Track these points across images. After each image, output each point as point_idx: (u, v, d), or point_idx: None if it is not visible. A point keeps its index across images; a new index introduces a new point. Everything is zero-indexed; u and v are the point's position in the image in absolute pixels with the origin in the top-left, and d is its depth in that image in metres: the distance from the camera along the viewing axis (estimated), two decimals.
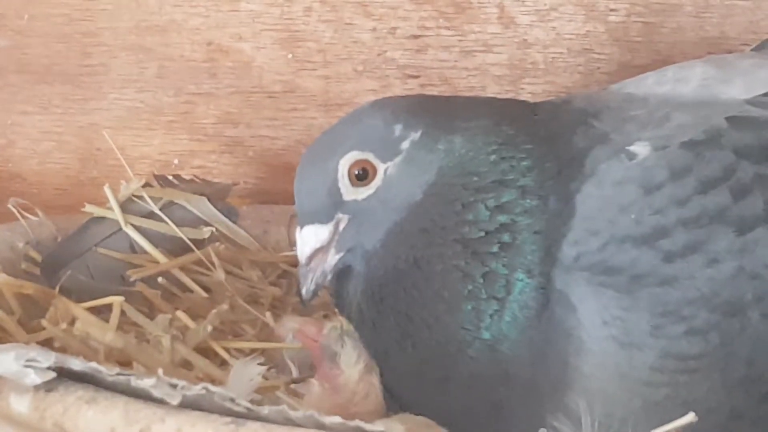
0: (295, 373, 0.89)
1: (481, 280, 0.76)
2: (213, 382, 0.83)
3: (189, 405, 0.66)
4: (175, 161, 1.19)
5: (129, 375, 0.68)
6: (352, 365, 0.81)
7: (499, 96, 1.08)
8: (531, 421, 0.74)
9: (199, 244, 1.02)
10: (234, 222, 1.06)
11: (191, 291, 0.99)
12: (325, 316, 0.98)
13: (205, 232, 1.02)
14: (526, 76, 1.12)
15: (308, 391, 0.83)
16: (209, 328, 0.90)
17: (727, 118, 0.78)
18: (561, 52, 1.11)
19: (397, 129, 0.80)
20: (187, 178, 1.08)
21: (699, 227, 0.74)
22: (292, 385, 0.87)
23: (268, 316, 0.96)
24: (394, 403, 0.81)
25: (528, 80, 1.12)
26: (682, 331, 0.73)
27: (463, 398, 0.77)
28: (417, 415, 0.77)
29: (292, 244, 1.04)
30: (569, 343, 0.74)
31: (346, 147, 0.81)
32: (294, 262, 1.02)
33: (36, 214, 1.03)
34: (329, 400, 0.80)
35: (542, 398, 0.75)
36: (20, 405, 0.69)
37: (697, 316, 0.73)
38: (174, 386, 0.66)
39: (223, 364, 0.89)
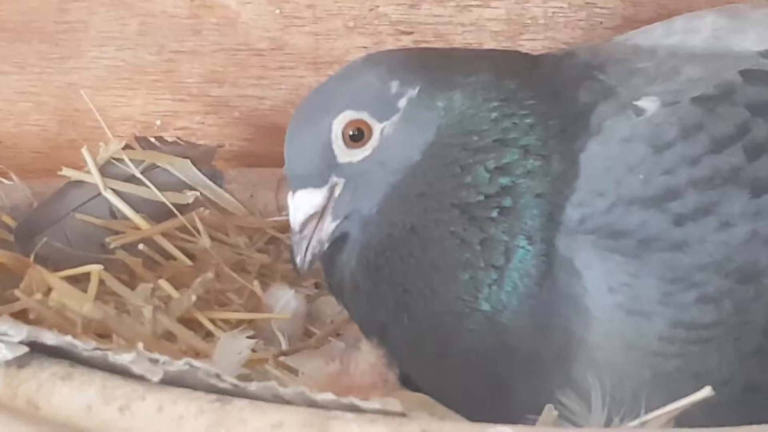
0: (284, 345, 0.91)
1: (479, 248, 0.74)
2: (197, 355, 0.83)
3: (171, 381, 0.64)
4: (158, 122, 1.19)
5: (106, 350, 0.65)
6: (373, 351, 0.78)
7: None
8: (534, 397, 0.72)
9: (183, 209, 1.01)
10: (219, 186, 1.05)
11: (174, 258, 0.98)
12: (316, 285, 0.96)
13: (189, 196, 1.01)
14: (524, 32, 1.11)
15: (305, 364, 0.82)
16: (193, 297, 0.88)
17: (740, 72, 0.76)
18: (561, 6, 1.10)
19: (394, 86, 0.78)
20: (170, 140, 1.07)
21: (711, 188, 0.72)
22: (282, 358, 0.86)
23: (256, 285, 0.96)
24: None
25: (527, 36, 1.11)
26: (693, 298, 0.71)
27: (462, 373, 0.75)
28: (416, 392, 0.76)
29: (281, 208, 1.05)
30: (574, 312, 0.72)
31: (339, 106, 0.78)
32: (282, 228, 1.02)
33: (10, 178, 1.03)
34: (330, 377, 0.78)
35: (546, 371, 0.73)
36: None
37: (709, 282, 0.71)
38: (155, 361, 0.64)
39: (208, 335, 0.89)
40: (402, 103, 0.77)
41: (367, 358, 0.79)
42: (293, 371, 0.84)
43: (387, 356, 0.79)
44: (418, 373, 0.78)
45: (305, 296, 0.94)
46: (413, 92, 0.77)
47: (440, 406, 0.77)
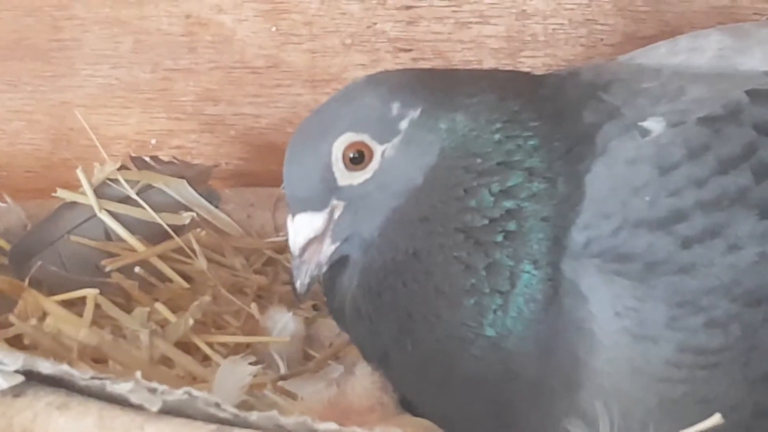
0: (283, 369, 0.90)
1: (484, 273, 0.73)
2: (195, 380, 0.82)
3: (170, 411, 0.63)
4: (153, 141, 1.18)
5: (104, 379, 0.65)
6: (368, 375, 0.78)
7: None
8: (540, 424, 0.72)
9: (179, 230, 1.00)
10: (216, 206, 1.04)
11: (171, 281, 0.97)
12: (314, 307, 0.95)
13: (185, 217, 1.00)
14: (524, 49, 1.10)
15: (304, 388, 0.81)
16: (191, 321, 0.88)
17: (746, 92, 0.75)
18: (562, 23, 1.09)
19: (395, 107, 0.77)
20: (166, 159, 1.06)
21: (719, 210, 0.71)
22: (281, 382, 0.85)
23: (254, 307, 0.94)
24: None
25: (527, 53, 1.10)
26: (700, 322, 0.70)
27: (467, 400, 0.74)
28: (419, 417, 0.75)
29: (278, 229, 1.04)
30: (579, 337, 0.71)
31: (339, 128, 0.77)
32: (280, 249, 1.01)
33: (4, 200, 1.02)
34: (330, 401, 0.77)
35: (552, 398, 0.72)
36: None
37: (717, 306, 0.70)
38: (153, 391, 0.63)
39: (205, 359, 0.88)
40: (403, 125, 0.76)
41: (363, 382, 0.78)
42: (292, 396, 0.83)
43: (386, 380, 0.78)
44: (421, 399, 0.77)
45: (304, 319, 0.93)
46: (415, 114, 0.76)
47: None
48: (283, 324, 0.91)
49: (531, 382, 0.72)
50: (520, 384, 0.73)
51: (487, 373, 0.73)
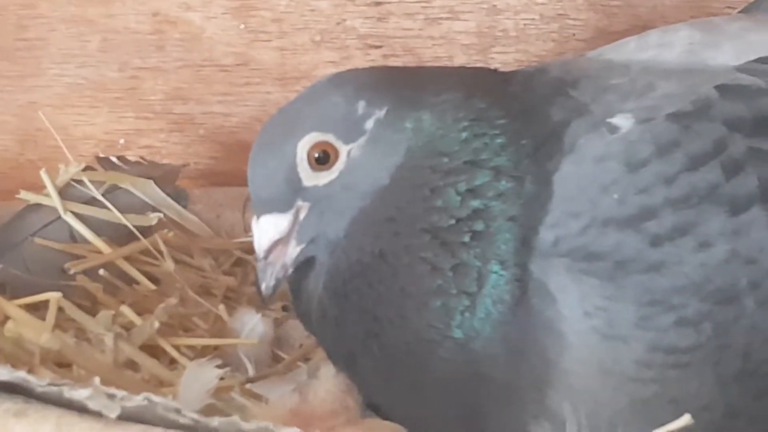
0: (251, 372, 0.88)
1: (451, 274, 0.72)
2: (161, 384, 0.81)
3: (129, 417, 0.63)
4: (121, 141, 1.17)
5: (61, 385, 0.64)
6: (331, 378, 0.77)
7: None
8: (510, 426, 0.71)
9: (146, 231, 0.99)
10: (184, 206, 1.03)
11: (137, 283, 0.96)
12: (284, 308, 0.94)
13: (152, 218, 0.99)
14: (496, 45, 1.10)
15: (272, 391, 0.81)
16: (156, 324, 0.87)
17: (716, 87, 0.74)
18: (533, 18, 1.09)
19: (360, 106, 0.76)
20: (133, 159, 1.06)
21: (688, 207, 0.70)
22: (248, 385, 0.84)
23: (222, 309, 0.94)
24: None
25: (498, 49, 1.10)
26: (671, 321, 0.69)
27: (435, 403, 0.73)
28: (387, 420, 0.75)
29: (248, 229, 1.03)
30: (548, 337, 0.70)
31: (304, 128, 0.76)
32: (249, 249, 1.01)
33: None
34: (292, 408, 0.76)
35: (522, 400, 0.71)
36: None
37: (688, 305, 0.69)
38: (112, 397, 0.63)
39: (172, 363, 0.87)
40: (369, 124, 0.75)
41: (326, 385, 0.78)
42: (260, 398, 0.82)
43: (352, 383, 0.78)
44: (389, 402, 0.76)
45: (273, 320, 0.92)
46: (380, 113, 0.75)
47: None
48: (251, 326, 0.90)
49: (500, 384, 0.72)
50: (489, 386, 0.72)
51: (455, 375, 0.72)
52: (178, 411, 0.61)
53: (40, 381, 0.64)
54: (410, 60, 1.09)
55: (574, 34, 1.08)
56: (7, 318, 0.83)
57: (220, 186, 1.11)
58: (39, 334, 0.80)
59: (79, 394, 0.62)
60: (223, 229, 1.04)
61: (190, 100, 1.15)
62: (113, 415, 0.62)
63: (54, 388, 0.63)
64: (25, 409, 0.63)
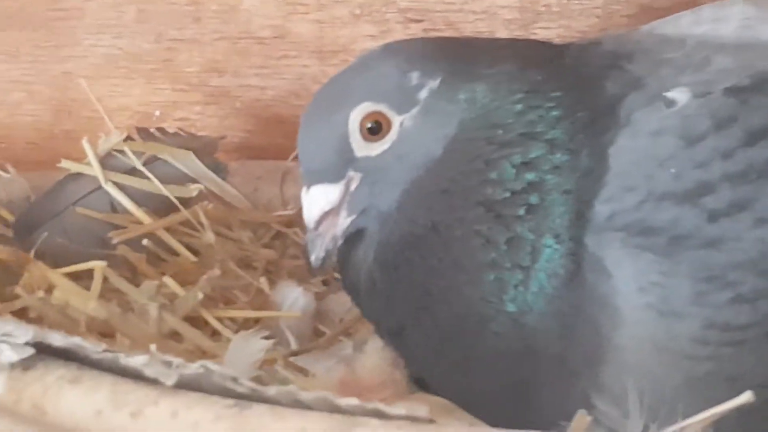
0: (293, 345, 0.87)
1: (505, 247, 0.71)
2: (205, 355, 0.81)
3: (185, 385, 0.61)
4: (156, 113, 1.17)
5: (117, 352, 0.63)
6: (378, 351, 0.77)
7: None
8: (561, 402, 0.69)
9: (186, 203, 0.98)
10: (223, 179, 1.02)
11: (177, 255, 0.95)
12: (324, 282, 0.94)
13: (193, 189, 0.98)
14: (538, 20, 1.08)
15: (315, 365, 0.81)
16: (200, 295, 0.86)
17: None
18: None
19: (414, 77, 0.75)
20: (171, 131, 1.04)
21: (746, 183, 0.69)
22: (292, 358, 0.84)
23: (263, 282, 0.93)
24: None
25: (540, 24, 1.08)
26: (727, 298, 0.68)
27: (485, 378, 0.73)
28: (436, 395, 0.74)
29: (286, 203, 1.02)
30: (602, 313, 0.69)
31: (357, 97, 0.75)
32: (289, 223, 1.01)
33: (6, 170, 1.01)
34: (340, 379, 0.76)
35: (574, 376, 0.70)
36: None
37: (745, 281, 0.68)
38: (169, 364, 0.62)
39: (214, 335, 0.86)
40: (422, 95, 0.75)
41: (373, 358, 0.77)
42: (303, 372, 0.82)
43: (398, 357, 0.77)
44: (437, 377, 0.76)
45: (314, 294, 0.91)
46: (434, 84, 0.75)
47: (461, 411, 0.74)
48: (293, 299, 0.90)
49: (552, 359, 0.71)
50: (541, 361, 0.71)
51: (507, 349, 0.72)
52: (235, 380, 0.60)
53: (96, 347, 0.63)
54: (451, 35, 1.08)
55: (618, 10, 1.07)
56: (51, 287, 0.82)
57: (255, 159, 1.10)
58: (85, 303, 0.79)
59: (136, 361, 0.61)
60: (261, 203, 1.04)
61: (226, 73, 1.14)
62: (170, 382, 0.61)
63: (110, 355, 0.62)
64: (79, 375, 0.63)
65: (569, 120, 0.73)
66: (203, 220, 0.96)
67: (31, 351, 0.63)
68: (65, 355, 0.64)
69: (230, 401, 0.60)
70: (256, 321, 0.88)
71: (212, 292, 0.89)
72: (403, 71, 0.75)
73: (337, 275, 0.94)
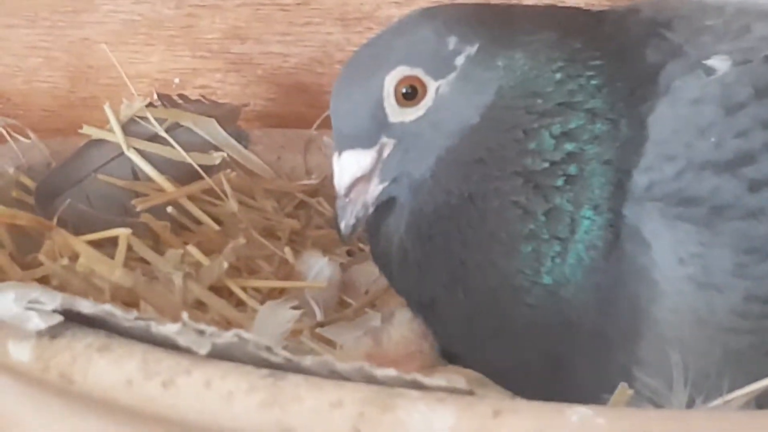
0: (319, 316, 0.86)
1: (543, 218, 0.70)
2: (230, 324, 0.79)
3: (218, 354, 0.60)
4: (176, 80, 1.15)
5: (149, 320, 0.61)
6: (405, 323, 0.75)
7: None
8: (597, 375, 0.69)
9: (208, 171, 0.97)
10: (245, 147, 1.01)
11: (200, 223, 0.94)
12: (349, 252, 0.92)
13: (216, 157, 0.97)
14: None
15: (341, 336, 0.79)
16: (225, 264, 0.85)
17: None
18: None
19: (451, 42, 0.74)
20: (193, 98, 1.03)
21: None
22: (318, 329, 0.83)
23: (287, 252, 0.92)
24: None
25: None
26: None
27: (520, 351, 0.72)
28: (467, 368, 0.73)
29: (309, 172, 1.00)
30: (641, 285, 0.68)
31: (392, 61, 0.74)
32: (312, 192, 1.00)
33: (27, 136, 0.99)
34: (367, 352, 0.75)
35: (611, 349, 0.69)
36: (20, 353, 0.62)
37: None
38: (202, 333, 0.60)
39: (239, 304, 0.85)
40: (459, 60, 0.73)
41: (401, 330, 0.76)
42: (330, 343, 0.80)
43: (428, 329, 0.76)
44: (470, 349, 0.74)
45: (339, 264, 0.90)
46: (472, 50, 0.73)
47: (493, 385, 0.73)
48: (318, 269, 0.89)
49: (589, 333, 0.70)
50: (577, 334, 0.70)
51: (542, 323, 0.70)
52: (269, 349, 0.59)
53: (127, 314, 0.61)
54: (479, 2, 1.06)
55: None
56: (74, 254, 0.81)
57: (276, 127, 1.09)
58: (110, 270, 0.78)
59: (168, 329, 0.59)
60: (284, 172, 1.03)
61: (248, 40, 1.13)
62: (203, 351, 0.59)
63: (141, 323, 0.60)
64: (108, 343, 0.61)
65: (609, 89, 0.72)
66: (227, 188, 0.94)
67: (59, 318, 0.61)
68: (93, 324, 0.62)
69: (265, 371, 0.58)
70: (281, 291, 0.86)
71: (236, 262, 0.88)
72: (440, 36, 0.74)
73: (362, 245, 0.92)
